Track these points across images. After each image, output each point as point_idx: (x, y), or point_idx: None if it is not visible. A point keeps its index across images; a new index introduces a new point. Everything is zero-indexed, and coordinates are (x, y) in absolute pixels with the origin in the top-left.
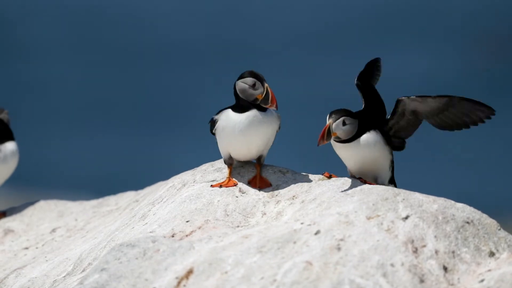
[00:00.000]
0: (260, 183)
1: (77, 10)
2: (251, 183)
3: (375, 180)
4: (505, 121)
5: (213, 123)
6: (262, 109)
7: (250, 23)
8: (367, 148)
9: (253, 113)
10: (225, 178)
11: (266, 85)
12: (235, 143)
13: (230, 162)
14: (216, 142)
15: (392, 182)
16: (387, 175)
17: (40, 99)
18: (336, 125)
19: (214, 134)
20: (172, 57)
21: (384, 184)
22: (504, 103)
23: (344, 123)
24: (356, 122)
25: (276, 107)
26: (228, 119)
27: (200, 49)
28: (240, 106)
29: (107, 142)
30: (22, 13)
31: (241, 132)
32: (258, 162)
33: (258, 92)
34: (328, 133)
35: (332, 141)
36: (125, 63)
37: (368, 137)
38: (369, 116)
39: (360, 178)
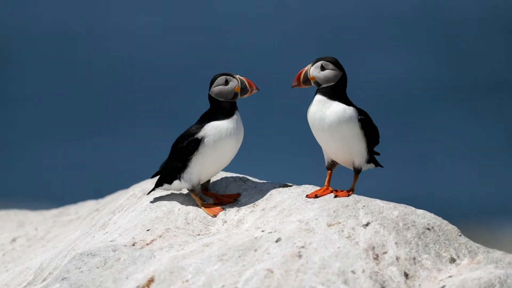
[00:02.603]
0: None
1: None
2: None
3: (352, 164)
4: (468, 125)
5: (197, 141)
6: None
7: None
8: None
9: (237, 116)
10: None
11: (237, 76)
12: (230, 151)
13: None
14: (190, 166)
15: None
16: (363, 157)
17: None
18: (314, 68)
19: (189, 158)
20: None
21: (361, 166)
22: (472, 107)
23: (322, 68)
24: (340, 74)
25: (257, 88)
26: (219, 129)
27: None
28: (223, 113)
29: (67, 150)
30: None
31: (235, 136)
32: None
33: (234, 85)
34: (305, 77)
35: (310, 123)
36: (86, 75)
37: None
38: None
39: (336, 190)
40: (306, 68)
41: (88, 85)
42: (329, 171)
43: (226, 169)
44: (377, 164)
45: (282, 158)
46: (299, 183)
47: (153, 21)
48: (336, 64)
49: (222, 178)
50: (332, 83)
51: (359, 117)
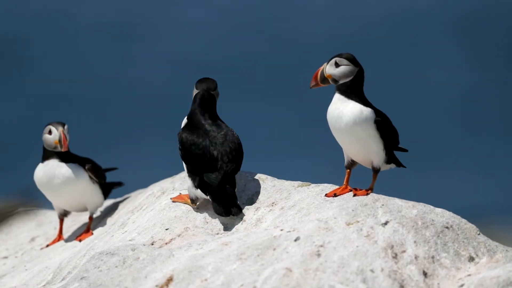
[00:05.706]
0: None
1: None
2: None
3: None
4: (482, 126)
5: None
6: None
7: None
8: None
9: None
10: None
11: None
12: None
13: None
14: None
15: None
16: (381, 158)
17: (19, 106)
18: (329, 66)
19: None
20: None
21: (379, 166)
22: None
23: (336, 64)
24: (356, 69)
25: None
26: None
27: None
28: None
29: (85, 148)
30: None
31: None
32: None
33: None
34: (322, 76)
35: (329, 123)
36: (108, 72)
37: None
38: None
39: (354, 189)
40: (322, 67)
41: (102, 84)
42: (348, 170)
43: (244, 168)
44: (399, 164)
45: (301, 156)
46: (318, 182)
47: (198, 16)
48: (351, 59)
49: (240, 177)
50: (349, 79)
51: (375, 118)
